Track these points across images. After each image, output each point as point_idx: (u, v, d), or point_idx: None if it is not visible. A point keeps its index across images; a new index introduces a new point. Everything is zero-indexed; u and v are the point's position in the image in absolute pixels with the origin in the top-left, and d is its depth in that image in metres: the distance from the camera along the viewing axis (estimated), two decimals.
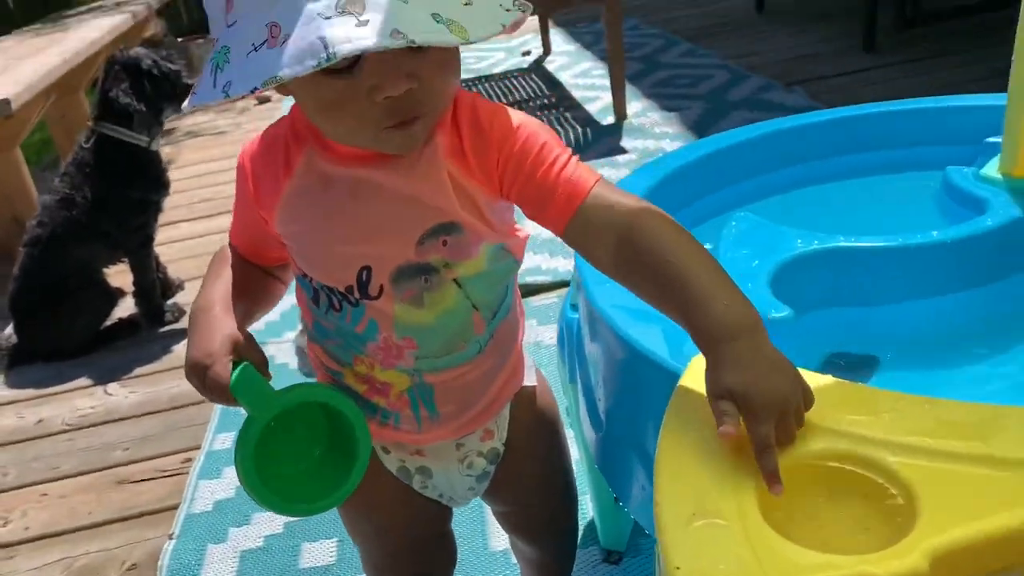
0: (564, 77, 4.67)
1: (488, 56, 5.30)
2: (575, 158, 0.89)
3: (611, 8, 3.62)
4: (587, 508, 1.68)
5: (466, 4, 0.75)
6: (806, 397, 0.77)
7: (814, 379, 0.84)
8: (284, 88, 0.83)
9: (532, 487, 1.13)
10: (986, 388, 1.08)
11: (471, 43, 0.74)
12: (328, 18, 0.70)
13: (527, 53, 5.21)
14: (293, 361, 2.42)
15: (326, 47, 0.69)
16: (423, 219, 0.88)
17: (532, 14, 0.83)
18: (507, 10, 0.79)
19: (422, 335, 0.94)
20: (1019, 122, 1.22)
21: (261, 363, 0.89)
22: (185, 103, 0.85)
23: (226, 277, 0.96)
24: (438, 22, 0.72)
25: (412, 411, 0.99)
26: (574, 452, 1.77)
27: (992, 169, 1.27)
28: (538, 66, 4.96)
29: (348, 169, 0.88)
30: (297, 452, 0.95)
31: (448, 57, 0.81)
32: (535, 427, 1.10)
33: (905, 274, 1.16)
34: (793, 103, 3.67)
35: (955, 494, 0.69)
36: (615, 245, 0.84)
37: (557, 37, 5.43)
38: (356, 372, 0.98)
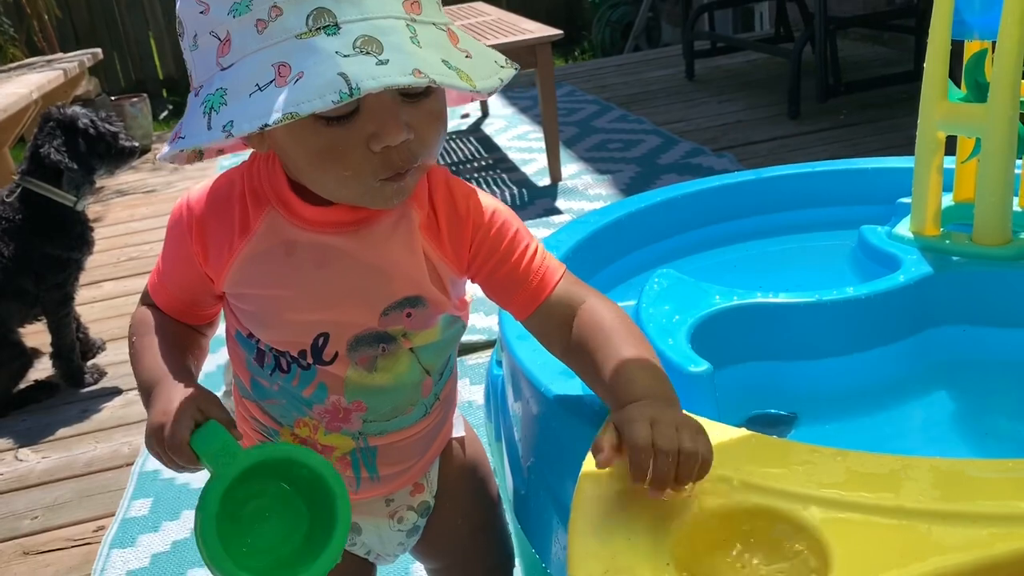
0: (501, 140, 4.73)
1: None
2: (542, 247, 0.94)
3: (544, 73, 3.69)
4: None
5: (467, 57, 0.77)
6: (707, 458, 0.75)
7: (729, 432, 0.84)
8: (261, 142, 0.82)
9: (464, 540, 1.11)
10: (899, 442, 1.09)
11: (478, 91, 0.77)
12: (347, 56, 0.70)
13: (466, 116, 5.28)
14: None
15: (348, 83, 0.69)
16: (391, 291, 0.89)
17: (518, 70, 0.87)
18: (501, 67, 0.82)
19: (373, 398, 0.93)
20: (927, 183, 1.27)
21: (226, 422, 0.82)
22: (164, 150, 0.80)
23: (164, 342, 0.91)
24: (449, 68, 0.74)
25: (353, 472, 0.97)
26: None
27: (904, 228, 1.31)
28: (476, 128, 5.02)
29: (316, 235, 0.86)
30: (265, 525, 0.82)
31: (440, 109, 0.82)
32: (465, 477, 1.09)
33: (821, 329, 1.17)
34: (722, 167, 3.77)
35: (867, 545, 0.69)
36: (570, 336, 0.90)
37: (495, 101, 5.52)
38: (296, 434, 0.95)
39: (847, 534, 0.70)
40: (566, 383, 1.01)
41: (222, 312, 0.97)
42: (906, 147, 1.26)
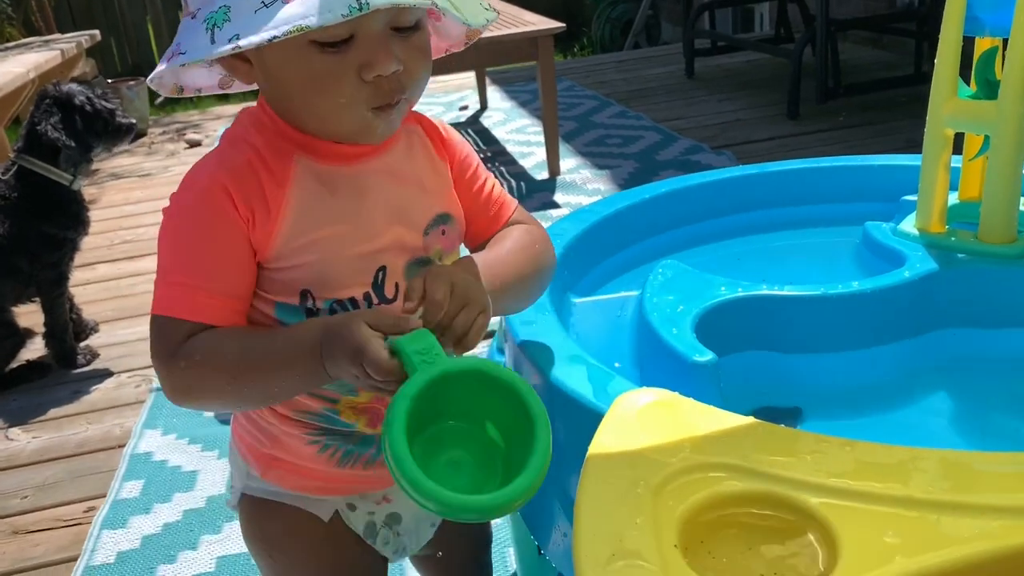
0: (500, 133, 4.72)
1: (426, 109, 5.32)
2: (498, 183, 1.01)
3: (544, 65, 3.68)
4: (510, 560, 1.64)
5: None
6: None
7: (737, 419, 0.83)
8: (250, 72, 0.84)
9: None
10: (900, 438, 1.09)
11: (468, 24, 0.84)
12: None
13: (464, 108, 5.26)
14: None
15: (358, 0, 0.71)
16: (429, 207, 0.92)
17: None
18: (486, 9, 0.87)
19: None
20: (934, 180, 1.26)
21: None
22: (159, 68, 0.82)
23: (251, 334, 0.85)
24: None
25: None
26: None
27: (909, 225, 1.31)
28: (475, 121, 5.00)
29: (351, 166, 0.88)
30: (452, 450, 0.77)
31: (426, 45, 0.85)
32: None
33: (825, 322, 1.17)
34: (720, 165, 3.77)
35: (875, 535, 0.68)
36: None
37: (495, 94, 5.50)
38: (356, 402, 0.93)
39: (856, 523, 0.69)
40: (570, 369, 1.00)
41: None
42: (904, 151, 1.27)
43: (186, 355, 0.82)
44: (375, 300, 0.89)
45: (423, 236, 0.92)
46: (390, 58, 0.79)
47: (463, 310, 0.80)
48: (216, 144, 0.91)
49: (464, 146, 0.99)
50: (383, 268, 0.89)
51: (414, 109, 0.96)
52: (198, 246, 0.85)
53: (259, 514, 1.01)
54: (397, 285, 0.90)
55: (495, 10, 0.89)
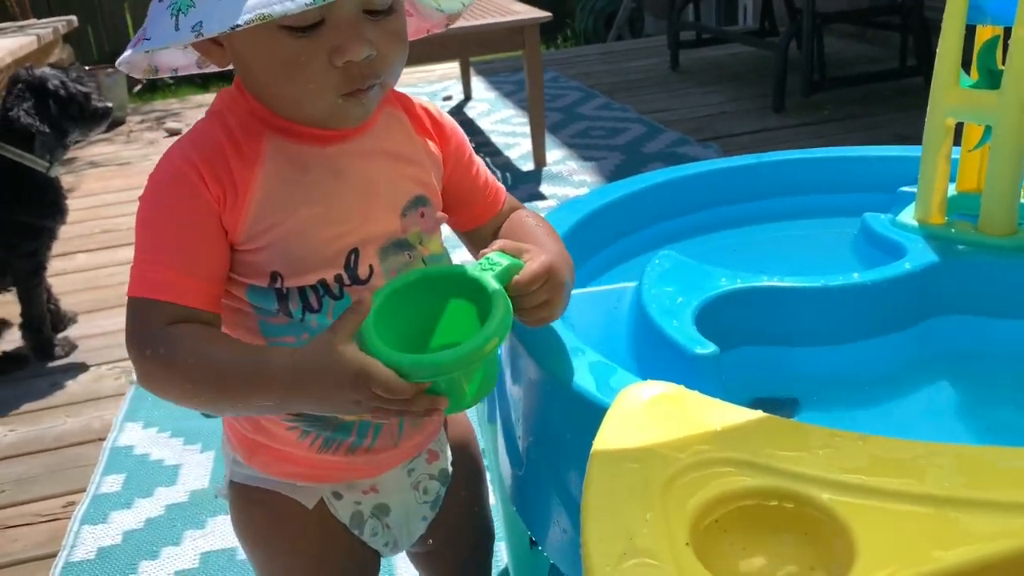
0: (484, 123, 4.69)
1: None
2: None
3: (531, 55, 3.65)
4: (501, 554, 1.61)
5: None
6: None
7: (747, 414, 0.81)
8: (223, 55, 0.84)
9: (463, 512, 1.10)
10: (900, 430, 1.07)
11: (443, 11, 0.85)
12: None
13: (448, 98, 5.22)
14: None
15: None
16: (406, 188, 0.91)
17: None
18: None
19: None
20: (934, 171, 1.25)
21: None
22: (126, 53, 0.82)
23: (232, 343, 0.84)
24: None
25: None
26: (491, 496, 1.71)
27: (908, 216, 1.29)
28: (459, 111, 4.97)
29: (323, 148, 0.86)
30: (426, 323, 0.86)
31: (401, 29, 0.84)
32: (469, 446, 1.11)
33: (826, 314, 1.15)
34: (706, 157, 3.75)
35: (892, 533, 0.67)
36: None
37: (479, 84, 5.47)
38: None
39: (872, 520, 0.67)
40: (571, 363, 0.98)
41: None
42: (890, 144, 1.25)
43: (162, 342, 0.80)
44: (346, 281, 0.87)
45: (400, 218, 0.90)
46: (361, 43, 0.78)
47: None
48: None
49: (459, 131, 1.00)
50: (355, 250, 0.87)
51: (405, 92, 0.95)
52: (173, 227, 0.83)
53: (244, 501, 0.99)
54: (371, 267, 0.88)
55: None
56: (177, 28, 0.75)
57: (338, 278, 0.87)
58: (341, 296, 0.87)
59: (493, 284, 0.82)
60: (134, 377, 2.43)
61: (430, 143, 0.95)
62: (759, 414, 0.81)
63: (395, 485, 1.01)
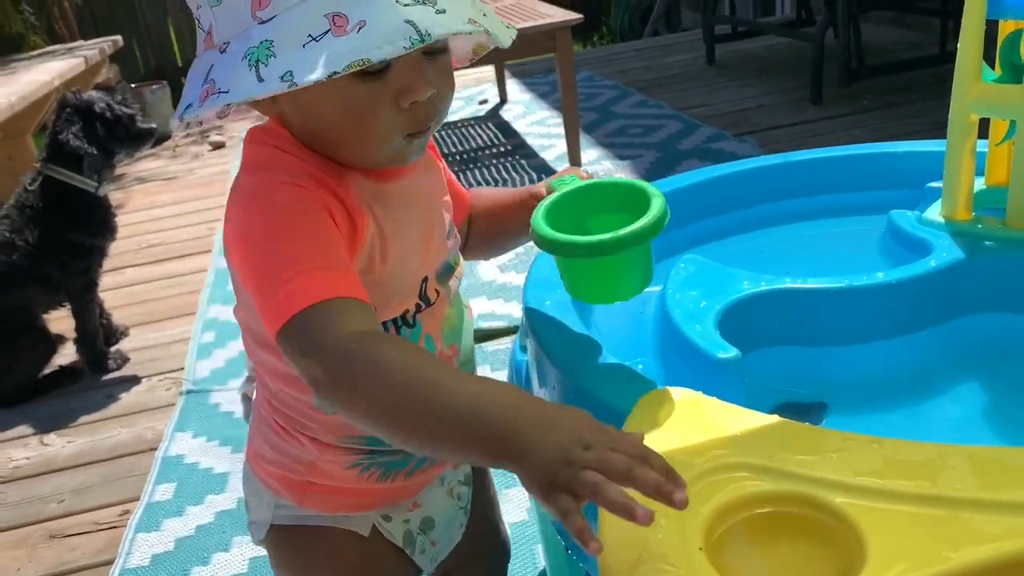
0: (520, 126, 4.71)
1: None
2: None
3: (563, 58, 3.67)
4: (539, 559, 1.64)
5: (484, 16, 0.81)
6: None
7: (761, 419, 0.83)
8: (273, 105, 0.81)
9: (483, 518, 1.12)
10: (928, 430, 1.07)
11: (502, 47, 0.86)
12: (407, 5, 0.72)
13: (484, 102, 5.26)
14: (238, 409, 2.36)
15: (417, 29, 0.71)
16: (445, 214, 0.96)
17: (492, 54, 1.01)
18: (507, 27, 0.87)
19: (459, 338, 0.97)
20: (959, 167, 1.24)
21: None
22: (198, 108, 0.76)
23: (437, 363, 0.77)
24: (485, 20, 0.80)
25: None
26: (524, 502, 1.74)
27: (934, 213, 1.29)
28: (495, 114, 5.00)
29: (392, 183, 0.88)
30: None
31: (451, 66, 0.85)
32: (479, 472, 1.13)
33: (851, 315, 1.16)
34: (744, 153, 3.74)
35: (903, 535, 0.68)
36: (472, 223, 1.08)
37: (513, 87, 5.49)
38: None
39: (884, 522, 0.69)
40: (593, 369, 1.00)
41: None
42: (931, 133, 1.24)
43: (355, 340, 0.72)
44: (422, 305, 0.91)
45: (446, 243, 0.95)
46: (426, 84, 0.79)
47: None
48: (234, 166, 0.91)
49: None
50: (425, 278, 0.92)
51: None
52: (312, 233, 0.77)
53: (295, 541, 0.98)
54: (438, 291, 0.93)
55: (513, 27, 0.90)
56: (261, 79, 0.71)
57: (417, 306, 0.90)
58: (414, 324, 0.90)
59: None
60: (184, 388, 2.51)
61: (440, 165, 1.00)
62: (775, 419, 0.83)
63: (434, 496, 1.03)
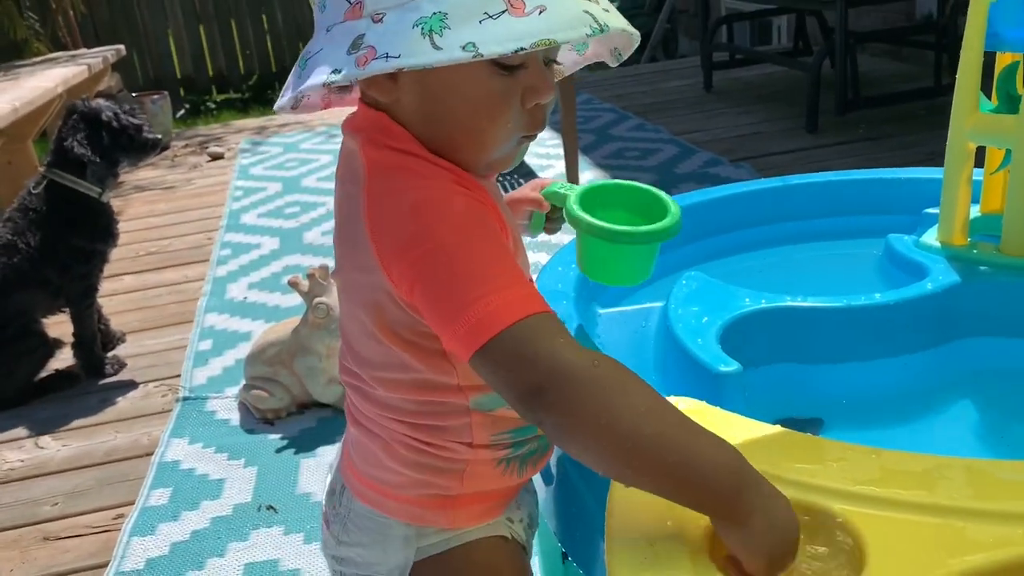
0: None
1: None
2: None
3: (564, 83, 3.71)
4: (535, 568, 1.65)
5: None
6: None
7: (763, 428, 0.85)
8: (392, 90, 0.78)
9: None
10: (922, 449, 1.10)
11: (620, 59, 0.90)
12: None
13: None
14: (235, 417, 2.37)
15: (596, 20, 0.72)
16: None
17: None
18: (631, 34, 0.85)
19: None
20: (956, 193, 1.28)
21: None
22: (359, 68, 0.72)
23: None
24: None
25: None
26: None
27: (931, 237, 1.32)
28: None
29: (484, 184, 0.85)
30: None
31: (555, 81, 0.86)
32: None
33: (848, 334, 1.18)
34: (739, 178, 3.78)
35: (902, 542, 0.70)
36: None
37: None
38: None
39: (882, 530, 0.71)
40: None
41: None
42: (924, 163, 1.27)
43: (598, 361, 0.71)
44: None
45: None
46: (551, 87, 0.80)
47: None
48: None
49: None
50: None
51: None
52: (501, 243, 0.77)
53: (452, 565, 0.92)
54: None
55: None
56: (437, 47, 0.69)
57: None
58: None
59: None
60: (180, 395, 2.51)
61: None
62: (777, 429, 0.85)
63: (524, 495, 1.02)
